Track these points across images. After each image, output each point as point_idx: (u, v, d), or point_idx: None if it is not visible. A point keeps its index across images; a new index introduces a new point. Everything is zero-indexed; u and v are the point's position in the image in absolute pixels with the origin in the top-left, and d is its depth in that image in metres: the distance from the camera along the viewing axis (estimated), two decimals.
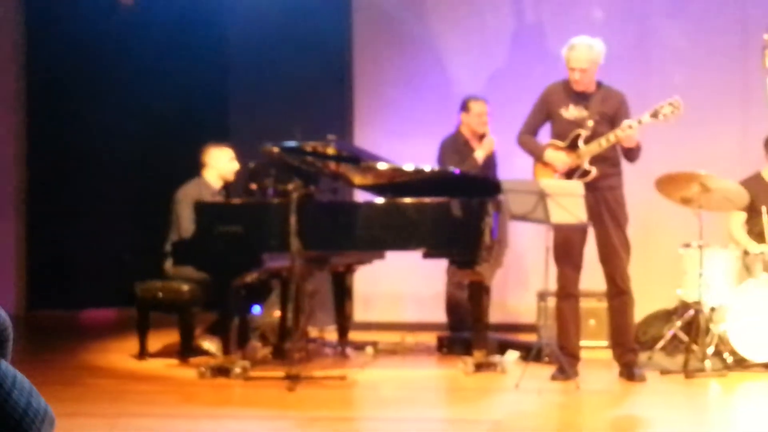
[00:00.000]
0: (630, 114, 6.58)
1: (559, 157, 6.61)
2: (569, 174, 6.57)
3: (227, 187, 7.75)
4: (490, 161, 8.10)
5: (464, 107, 8.07)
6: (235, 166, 7.70)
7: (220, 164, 7.70)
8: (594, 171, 6.53)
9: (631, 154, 6.62)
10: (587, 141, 6.55)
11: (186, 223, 7.36)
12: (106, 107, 9.70)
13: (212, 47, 9.82)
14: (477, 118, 8.02)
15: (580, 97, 6.64)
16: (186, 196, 7.51)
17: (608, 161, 6.60)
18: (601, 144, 6.51)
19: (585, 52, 6.56)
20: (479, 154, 7.98)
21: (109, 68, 9.64)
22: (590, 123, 6.56)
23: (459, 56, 9.13)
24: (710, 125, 8.66)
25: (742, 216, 7.60)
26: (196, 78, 9.69)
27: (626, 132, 6.43)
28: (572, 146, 6.60)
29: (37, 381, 2.14)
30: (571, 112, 6.64)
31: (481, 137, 8.05)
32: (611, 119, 6.55)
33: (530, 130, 6.83)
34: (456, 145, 8.03)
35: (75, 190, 9.78)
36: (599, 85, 6.69)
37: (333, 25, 9.35)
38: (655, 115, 6.45)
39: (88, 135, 9.71)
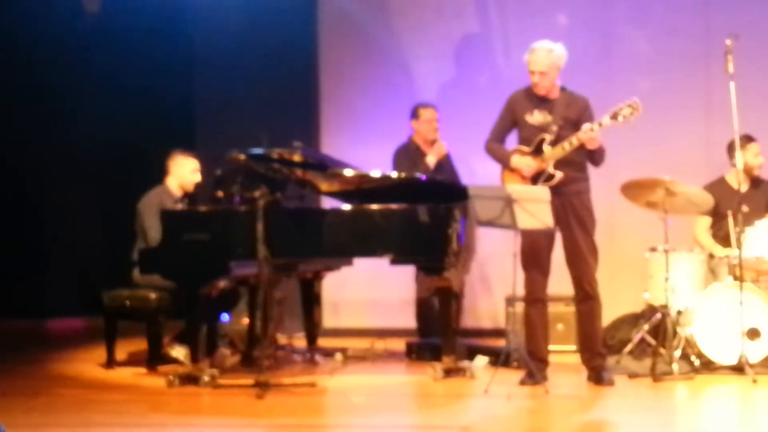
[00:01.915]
0: (594, 118, 6.62)
1: (525, 162, 6.65)
2: (535, 179, 6.61)
3: (188, 196, 7.72)
4: (446, 166, 8.14)
5: (414, 114, 8.16)
6: (197, 178, 7.68)
7: (182, 173, 7.68)
8: (558, 175, 6.56)
9: (595, 157, 6.66)
10: (552, 145, 6.60)
11: (152, 232, 7.33)
12: (71, 114, 9.67)
13: (178, 55, 9.80)
14: (427, 125, 8.09)
15: (544, 103, 6.68)
16: (149, 205, 7.49)
17: (574, 166, 6.64)
18: (564, 147, 6.55)
19: (544, 56, 6.60)
20: (431, 159, 8.04)
21: (75, 75, 9.61)
22: (554, 127, 6.60)
23: (425, 63, 9.17)
24: (674, 130, 8.75)
25: (707, 220, 7.68)
26: (162, 85, 9.67)
27: (588, 134, 6.47)
28: (537, 151, 6.65)
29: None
30: (536, 117, 6.68)
31: (432, 143, 8.11)
32: (575, 123, 6.59)
33: (497, 137, 6.86)
34: (408, 153, 8.10)
35: (41, 198, 9.73)
36: (563, 90, 6.72)
37: (299, 32, 9.37)
38: (614, 116, 6.48)
39: (54, 142, 9.67)
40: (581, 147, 6.55)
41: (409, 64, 9.25)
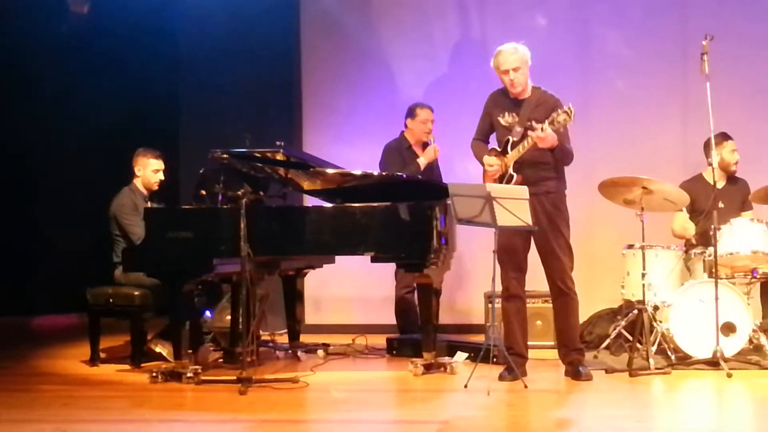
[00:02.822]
0: None
1: (488, 162, 6.75)
2: (501, 180, 6.69)
3: (155, 195, 7.79)
4: (434, 169, 8.22)
5: (411, 113, 8.20)
6: (159, 177, 7.76)
7: (144, 173, 7.76)
8: (516, 177, 6.62)
9: (557, 156, 6.66)
10: (513, 147, 6.68)
11: (135, 229, 7.40)
12: (56, 113, 9.69)
13: (162, 54, 9.85)
14: (422, 125, 8.15)
15: (514, 104, 6.75)
16: (122, 207, 7.57)
17: (542, 166, 6.68)
18: (520, 149, 6.62)
19: (510, 53, 6.66)
20: (422, 161, 8.11)
21: (60, 74, 9.63)
22: (518, 129, 6.64)
23: (406, 63, 9.25)
24: (651, 129, 8.86)
25: (684, 215, 7.76)
26: (145, 85, 9.72)
27: (537, 134, 6.51)
28: (504, 152, 6.74)
29: None
30: (506, 118, 6.76)
31: (425, 145, 8.18)
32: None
33: (480, 136, 6.95)
34: (399, 151, 8.16)
35: (25, 196, 9.76)
36: (536, 89, 6.76)
37: (282, 32, 9.43)
38: (551, 123, 6.50)
39: (39, 140, 9.69)
40: (545, 147, 6.59)
41: (391, 64, 9.32)
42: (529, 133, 6.55)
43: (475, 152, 6.91)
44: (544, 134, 6.46)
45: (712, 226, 7.13)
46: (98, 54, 9.62)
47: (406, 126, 8.23)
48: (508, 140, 6.71)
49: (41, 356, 8.08)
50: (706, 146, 7.66)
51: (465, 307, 9.13)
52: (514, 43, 6.71)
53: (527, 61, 6.71)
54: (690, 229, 7.75)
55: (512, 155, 6.66)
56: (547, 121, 6.48)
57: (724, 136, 7.80)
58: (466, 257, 8.97)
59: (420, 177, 7.84)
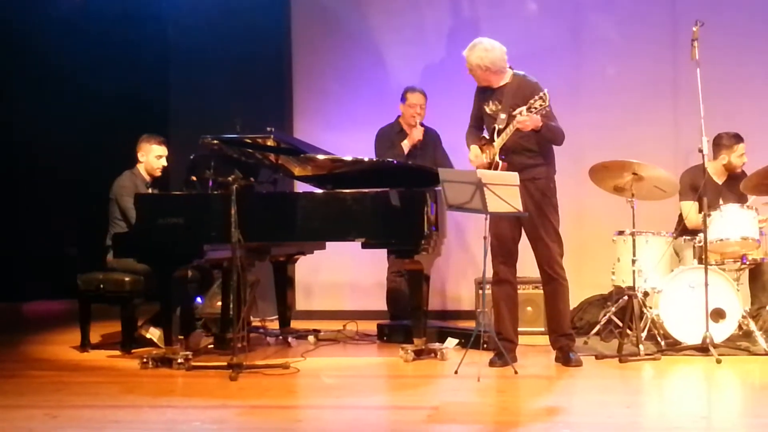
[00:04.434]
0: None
1: (472, 155, 6.75)
2: (488, 168, 6.68)
3: (158, 181, 7.80)
4: (430, 152, 8.20)
5: (402, 97, 8.22)
6: (162, 164, 7.76)
7: (148, 159, 7.76)
8: (501, 164, 6.61)
9: (544, 136, 6.64)
10: (499, 134, 6.68)
11: (134, 213, 7.40)
12: (46, 98, 9.67)
13: (153, 40, 9.83)
14: (410, 109, 8.16)
15: (497, 92, 6.75)
16: (123, 189, 7.56)
17: (528, 153, 6.67)
18: (504, 136, 6.62)
19: (466, 57, 6.67)
20: (405, 144, 8.12)
21: (49, 60, 9.61)
22: (503, 116, 6.63)
23: (396, 49, 9.25)
24: (642, 115, 8.88)
25: (693, 205, 7.67)
26: (136, 70, 9.70)
27: (517, 119, 6.51)
28: (491, 140, 6.74)
29: None
30: (490, 106, 6.76)
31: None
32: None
33: (473, 123, 6.95)
34: (390, 134, 8.18)
35: (16, 182, 9.74)
36: (515, 75, 6.74)
37: (272, 18, 9.41)
38: (528, 109, 6.49)
39: (29, 126, 9.67)
40: (530, 132, 6.59)
41: (382, 50, 9.31)
42: (514, 121, 6.54)
43: (467, 141, 6.92)
44: (523, 118, 6.47)
45: (702, 213, 7.15)
46: (89, 41, 9.60)
47: (400, 110, 8.25)
48: (494, 128, 6.71)
49: (31, 342, 8.08)
50: (716, 144, 7.65)
51: (455, 293, 9.15)
52: (471, 45, 6.69)
53: (479, 66, 6.66)
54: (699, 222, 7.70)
55: (498, 142, 6.66)
56: (524, 107, 6.48)
57: (736, 138, 7.76)
58: (457, 243, 8.98)
59: (410, 162, 7.84)
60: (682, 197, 7.71)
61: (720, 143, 7.72)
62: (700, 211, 7.26)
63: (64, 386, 6.42)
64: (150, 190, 7.58)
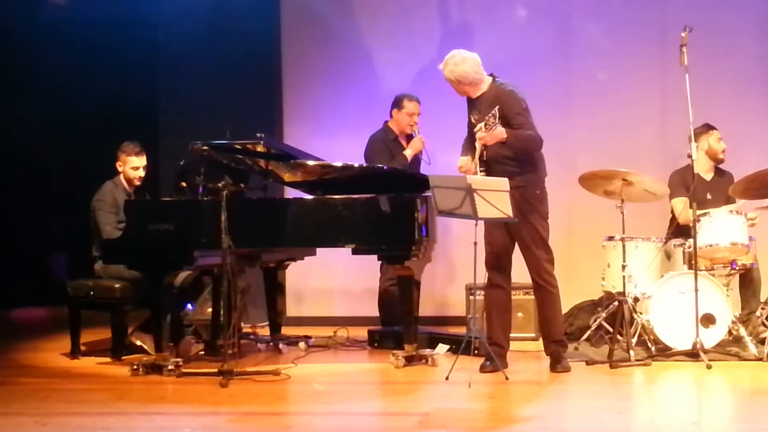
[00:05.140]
0: (514, 108, 6.56)
1: (462, 161, 6.74)
2: None
3: (140, 191, 7.78)
4: (418, 160, 8.22)
5: (398, 104, 8.17)
6: (139, 174, 7.71)
7: (124, 170, 7.73)
8: (479, 174, 6.61)
9: (512, 147, 6.59)
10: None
11: (107, 227, 7.40)
12: (34, 104, 9.65)
13: (142, 46, 9.81)
14: (408, 117, 8.14)
15: (476, 102, 6.75)
16: (99, 203, 7.56)
17: (506, 162, 6.63)
18: (477, 150, 6.62)
19: (442, 70, 6.69)
20: (408, 153, 8.11)
21: (38, 66, 9.59)
22: (481, 125, 6.62)
23: (386, 55, 9.24)
24: (631, 120, 8.89)
25: (684, 201, 7.69)
26: (125, 76, 9.68)
27: (478, 136, 6.51)
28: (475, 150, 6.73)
29: None
30: (474, 116, 6.77)
31: (409, 137, 8.17)
32: (503, 118, 6.53)
33: (469, 131, 6.92)
34: (386, 143, 8.14)
35: (5, 188, 9.71)
36: (492, 85, 6.72)
37: (262, 23, 9.41)
38: (486, 125, 6.48)
39: (17, 133, 9.64)
40: (500, 143, 6.55)
41: (372, 56, 9.31)
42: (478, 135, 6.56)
43: (462, 151, 6.91)
44: (482, 135, 6.48)
45: (692, 218, 7.16)
46: (77, 48, 9.58)
47: (391, 116, 8.20)
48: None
49: (21, 349, 8.06)
50: (696, 137, 7.65)
51: (446, 299, 9.15)
52: (446, 58, 6.70)
53: (453, 80, 6.68)
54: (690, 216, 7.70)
55: (476, 153, 6.66)
56: (482, 124, 6.48)
57: (708, 126, 7.86)
58: (448, 249, 8.98)
59: (397, 168, 7.83)
60: (673, 195, 7.73)
61: (696, 132, 7.66)
62: (691, 206, 7.27)
63: (54, 393, 6.40)
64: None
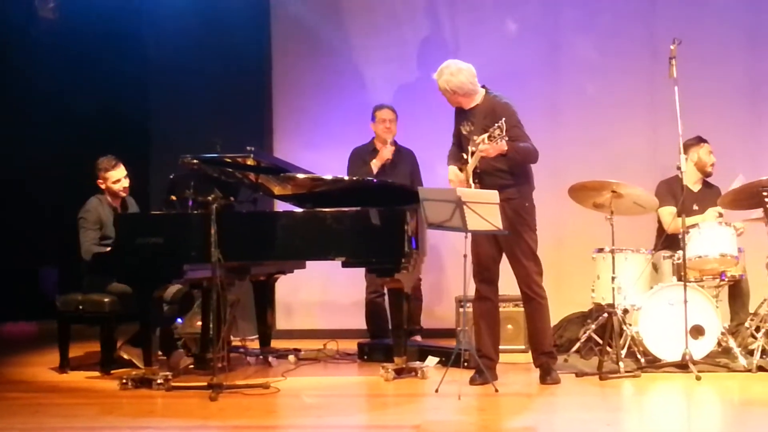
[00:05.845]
0: (510, 121, 6.51)
1: (452, 172, 6.75)
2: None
3: (126, 200, 7.76)
4: (404, 169, 8.22)
5: (372, 117, 8.27)
6: (123, 185, 7.66)
7: (107, 185, 7.69)
8: (473, 186, 6.62)
9: (512, 159, 6.62)
10: (472, 156, 6.68)
11: (85, 244, 7.38)
12: (25, 118, 9.64)
13: (133, 60, 9.81)
14: (380, 125, 8.20)
15: (469, 113, 6.76)
16: (81, 220, 7.52)
17: (500, 174, 6.66)
18: (472, 161, 6.62)
19: (436, 79, 6.69)
20: (375, 163, 8.14)
21: (29, 79, 9.58)
22: (475, 138, 6.60)
23: (377, 68, 9.26)
24: (620, 132, 8.93)
25: (671, 210, 7.71)
26: (115, 90, 9.68)
27: (479, 147, 6.52)
28: (467, 162, 6.73)
29: None
30: (466, 127, 6.78)
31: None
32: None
33: (455, 142, 6.94)
34: (363, 153, 8.22)
35: None
36: (486, 97, 6.73)
37: (252, 37, 9.42)
38: (489, 137, 6.48)
39: (7, 146, 9.63)
40: (498, 155, 6.57)
41: (362, 69, 9.33)
42: (480, 147, 6.54)
43: (448, 160, 6.92)
44: (484, 147, 6.47)
45: (681, 230, 7.18)
46: (68, 58, 9.58)
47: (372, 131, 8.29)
48: (471, 151, 6.71)
49: (9, 363, 8.03)
50: (686, 149, 7.69)
51: (436, 312, 9.14)
52: (440, 68, 6.70)
53: (446, 90, 6.67)
54: (679, 225, 7.70)
55: (470, 164, 6.66)
56: (485, 135, 6.47)
57: (699, 139, 7.91)
58: (438, 261, 8.99)
59: (386, 181, 7.84)
60: (660, 204, 7.73)
61: (687, 144, 7.69)
62: (679, 215, 7.28)
63: (43, 408, 6.38)
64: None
